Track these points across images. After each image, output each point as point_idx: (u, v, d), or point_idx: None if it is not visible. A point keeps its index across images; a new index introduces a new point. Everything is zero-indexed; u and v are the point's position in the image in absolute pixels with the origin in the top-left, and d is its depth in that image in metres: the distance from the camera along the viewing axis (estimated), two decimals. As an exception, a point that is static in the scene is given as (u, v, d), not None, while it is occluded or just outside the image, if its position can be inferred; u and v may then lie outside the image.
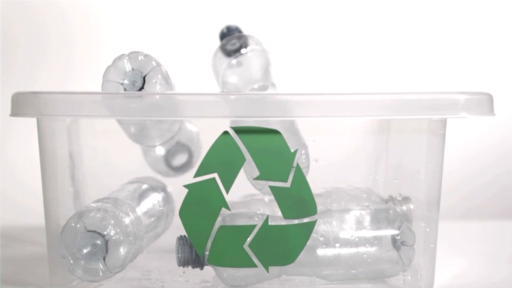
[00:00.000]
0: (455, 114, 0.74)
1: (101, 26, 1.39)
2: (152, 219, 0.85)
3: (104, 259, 0.72)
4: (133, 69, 0.73)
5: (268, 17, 1.37)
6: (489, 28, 1.45)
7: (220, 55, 0.89)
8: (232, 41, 0.88)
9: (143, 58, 0.73)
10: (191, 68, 1.26)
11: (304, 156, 0.78)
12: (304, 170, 0.78)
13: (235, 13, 1.38)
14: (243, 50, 0.87)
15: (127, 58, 0.74)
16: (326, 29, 1.42)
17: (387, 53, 1.43)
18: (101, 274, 0.73)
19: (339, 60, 1.41)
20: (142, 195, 0.86)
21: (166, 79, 0.74)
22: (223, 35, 0.90)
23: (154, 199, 0.87)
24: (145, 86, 0.73)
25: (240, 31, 0.90)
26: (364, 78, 1.41)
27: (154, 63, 0.74)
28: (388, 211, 0.79)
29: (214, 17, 1.39)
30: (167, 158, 0.91)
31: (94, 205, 0.75)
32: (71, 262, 0.72)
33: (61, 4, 1.38)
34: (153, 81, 0.73)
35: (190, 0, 1.40)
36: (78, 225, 0.72)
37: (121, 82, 0.73)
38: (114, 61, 0.74)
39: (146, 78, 0.73)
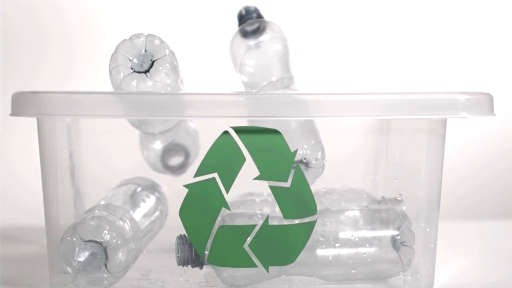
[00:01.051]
0: (455, 114, 0.74)
1: (101, 25, 1.39)
2: (147, 220, 0.84)
3: (105, 266, 0.72)
4: (146, 51, 0.73)
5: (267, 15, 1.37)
6: (489, 28, 1.45)
7: (238, 39, 0.87)
8: (250, 22, 0.87)
9: (158, 44, 0.74)
10: (194, 69, 1.26)
11: (320, 157, 0.79)
12: (319, 171, 0.78)
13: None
14: (262, 37, 0.86)
15: (144, 38, 0.74)
16: (325, 28, 1.42)
17: (387, 53, 1.43)
18: (105, 282, 0.73)
19: (339, 60, 1.41)
20: (134, 197, 0.86)
21: (174, 69, 0.74)
22: (241, 17, 0.88)
23: (147, 200, 0.87)
24: (151, 71, 0.73)
25: (259, 13, 0.88)
26: (364, 78, 1.41)
27: (167, 51, 0.74)
28: (388, 211, 0.79)
29: (215, 14, 1.40)
30: (164, 157, 0.91)
31: (87, 215, 0.75)
32: (74, 275, 0.72)
33: (61, 4, 1.38)
34: (160, 68, 0.73)
35: (192, 1, 1.40)
36: (74, 238, 0.72)
37: (130, 58, 0.73)
38: (132, 37, 0.74)
39: (154, 63, 0.73)
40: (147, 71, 0.73)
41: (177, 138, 0.90)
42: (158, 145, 0.90)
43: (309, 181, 0.78)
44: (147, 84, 0.72)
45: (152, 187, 0.91)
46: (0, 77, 1.34)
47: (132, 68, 0.73)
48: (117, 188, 0.88)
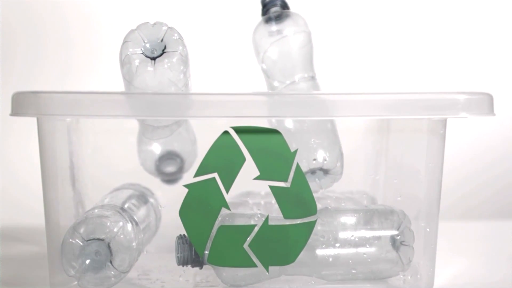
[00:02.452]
0: (455, 114, 0.74)
1: (101, 26, 1.39)
2: (144, 221, 0.84)
3: (111, 262, 0.72)
4: (161, 41, 0.74)
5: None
6: (489, 28, 1.45)
7: (261, 26, 0.86)
8: (274, 8, 0.85)
9: (175, 39, 0.74)
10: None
11: (338, 164, 0.79)
12: (337, 177, 0.80)
13: (234, 14, 1.38)
14: (286, 30, 0.85)
15: (166, 28, 0.74)
16: (326, 28, 1.42)
17: (387, 53, 1.43)
18: (113, 279, 0.72)
19: (339, 60, 1.41)
20: (130, 200, 0.85)
21: (180, 67, 0.74)
22: (265, 5, 0.86)
23: (141, 203, 0.87)
24: (157, 59, 0.73)
25: (283, 0, 0.87)
26: (364, 78, 1.41)
27: (180, 48, 0.74)
28: (387, 211, 0.79)
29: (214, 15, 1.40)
30: (159, 161, 0.91)
31: (87, 215, 0.74)
32: (79, 277, 0.71)
33: (61, 4, 1.38)
34: (166, 60, 0.73)
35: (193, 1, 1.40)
36: (76, 239, 0.71)
37: (145, 41, 0.74)
38: (156, 24, 0.75)
39: (164, 54, 0.74)
40: (154, 58, 0.73)
41: (176, 143, 0.90)
42: (156, 148, 0.90)
43: (326, 185, 0.80)
44: (148, 69, 0.73)
45: (145, 193, 0.90)
46: (0, 77, 1.34)
47: (142, 50, 0.73)
48: (112, 192, 0.88)
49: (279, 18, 0.84)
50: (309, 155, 0.79)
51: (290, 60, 0.84)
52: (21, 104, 0.73)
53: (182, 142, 0.90)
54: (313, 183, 0.80)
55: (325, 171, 0.80)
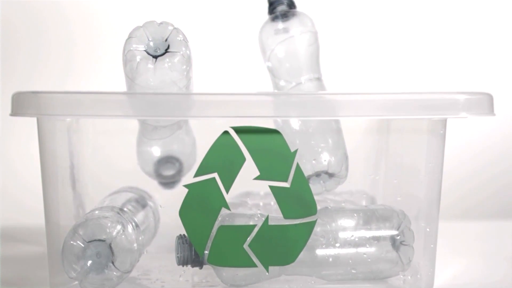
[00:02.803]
0: (455, 114, 0.74)
1: (101, 25, 1.39)
2: (143, 224, 0.84)
3: (113, 263, 0.72)
4: (166, 40, 0.74)
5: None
6: (489, 28, 1.45)
7: (268, 24, 0.85)
8: (280, 7, 0.85)
9: (179, 40, 0.74)
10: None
11: (343, 167, 0.79)
12: (341, 180, 0.80)
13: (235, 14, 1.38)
14: (292, 30, 0.85)
15: (172, 28, 0.74)
16: (326, 28, 1.42)
17: (387, 53, 1.43)
18: (115, 280, 0.72)
19: (339, 59, 1.41)
20: (129, 202, 0.85)
21: (181, 68, 0.74)
22: (272, 3, 0.86)
23: (140, 205, 0.87)
24: (158, 58, 0.73)
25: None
26: (364, 78, 1.41)
27: (183, 48, 0.74)
28: (387, 210, 0.79)
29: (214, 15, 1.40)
30: (158, 166, 0.91)
31: (87, 216, 0.74)
32: (81, 279, 0.71)
33: (61, 4, 1.38)
34: (167, 59, 0.73)
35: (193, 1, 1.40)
36: (77, 241, 0.71)
37: (150, 39, 0.74)
38: (162, 23, 0.75)
39: (166, 54, 0.74)
40: (156, 57, 0.73)
41: (176, 145, 0.90)
42: (155, 151, 0.90)
43: (331, 187, 0.81)
44: (148, 66, 0.73)
45: (144, 195, 0.90)
46: (0, 77, 1.34)
47: (145, 47, 0.74)
48: (111, 195, 0.87)
49: (285, 16, 0.84)
50: (314, 157, 0.79)
51: (297, 60, 0.84)
52: (21, 104, 0.73)
53: (181, 144, 0.90)
54: (318, 186, 0.80)
55: (330, 175, 0.80)
